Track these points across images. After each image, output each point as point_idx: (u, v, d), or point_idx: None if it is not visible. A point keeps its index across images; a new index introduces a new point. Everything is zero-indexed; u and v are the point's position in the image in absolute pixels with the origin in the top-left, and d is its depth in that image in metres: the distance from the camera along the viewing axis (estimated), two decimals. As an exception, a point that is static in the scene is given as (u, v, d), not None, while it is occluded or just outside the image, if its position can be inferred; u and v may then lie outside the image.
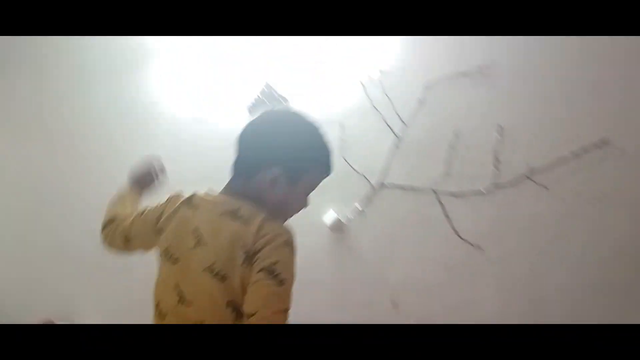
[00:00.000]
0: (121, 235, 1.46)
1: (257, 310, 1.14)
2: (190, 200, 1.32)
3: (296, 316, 2.76)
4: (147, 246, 1.42)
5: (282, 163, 1.26)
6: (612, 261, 2.17)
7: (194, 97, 3.01)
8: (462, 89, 2.48)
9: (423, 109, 2.59)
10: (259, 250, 1.17)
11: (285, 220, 1.32)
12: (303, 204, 1.34)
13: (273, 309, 1.15)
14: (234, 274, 1.18)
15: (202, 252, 1.22)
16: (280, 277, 1.15)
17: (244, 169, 1.30)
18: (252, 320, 1.14)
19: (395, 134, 2.63)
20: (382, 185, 2.64)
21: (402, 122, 2.62)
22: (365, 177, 2.67)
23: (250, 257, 1.17)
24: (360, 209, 2.68)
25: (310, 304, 2.73)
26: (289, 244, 1.19)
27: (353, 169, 2.70)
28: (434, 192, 2.52)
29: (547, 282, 2.28)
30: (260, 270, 1.15)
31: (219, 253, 1.20)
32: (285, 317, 1.16)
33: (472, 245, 2.41)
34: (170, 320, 1.27)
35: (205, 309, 1.21)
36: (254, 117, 1.33)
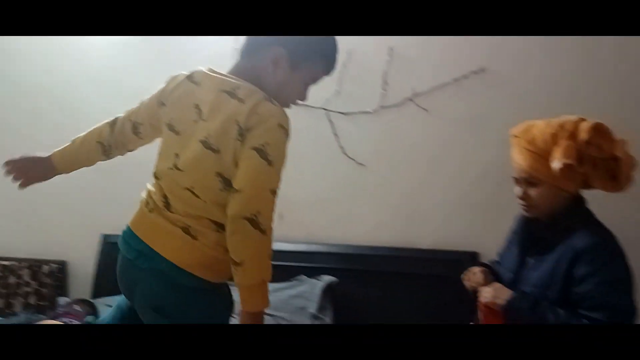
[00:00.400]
0: (129, 124, 1.44)
1: (245, 187, 1.15)
2: (192, 76, 1.32)
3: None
4: (154, 129, 1.42)
5: (286, 45, 1.25)
6: (480, 181, 2.38)
7: None
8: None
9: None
10: (252, 129, 1.17)
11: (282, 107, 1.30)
12: (301, 94, 1.34)
13: (260, 188, 1.16)
14: (227, 148, 1.19)
15: (201, 126, 1.24)
16: (270, 158, 1.16)
17: (248, 48, 1.30)
18: (238, 196, 1.15)
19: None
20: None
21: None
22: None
23: (242, 134, 1.17)
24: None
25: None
26: (282, 127, 1.19)
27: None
28: (325, 110, 2.58)
29: (422, 200, 2.46)
30: (251, 149, 1.16)
31: (215, 128, 1.21)
32: (272, 198, 1.17)
33: (356, 162, 2.53)
34: (164, 183, 1.29)
35: (196, 176, 1.23)
36: None
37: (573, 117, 1.48)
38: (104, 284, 2.72)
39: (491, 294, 1.51)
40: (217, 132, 1.21)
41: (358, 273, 2.45)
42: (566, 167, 1.40)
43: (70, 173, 2.91)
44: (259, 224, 1.14)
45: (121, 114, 1.49)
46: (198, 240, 1.22)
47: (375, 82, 2.51)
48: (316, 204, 2.62)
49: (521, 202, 1.54)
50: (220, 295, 1.29)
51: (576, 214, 1.50)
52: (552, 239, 1.49)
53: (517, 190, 1.54)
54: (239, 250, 1.16)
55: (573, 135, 1.43)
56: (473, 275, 1.63)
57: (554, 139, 1.44)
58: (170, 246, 1.23)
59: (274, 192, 1.18)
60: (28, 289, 2.81)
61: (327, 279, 2.42)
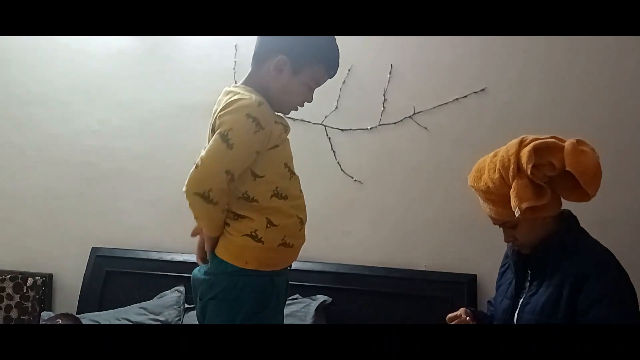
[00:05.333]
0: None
1: (202, 165, 1.25)
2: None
3: (175, 243, 2.72)
4: None
5: (287, 51, 1.36)
6: (475, 203, 2.34)
7: None
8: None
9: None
10: (221, 117, 1.28)
11: (289, 110, 1.43)
12: (306, 96, 1.42)
13: (215, 167, 1.25)
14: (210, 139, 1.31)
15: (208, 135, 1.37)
16: (231, 142, 1.24)
17: (256, 59, 1.41)
18: (194, 172, 1.25)
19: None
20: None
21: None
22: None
23: (214, 126, 1.31)
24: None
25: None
26: (250, 116, 1.26)
27: (243, 95, 2.65)
28: (323, 126, 2.55)
29: (419, 219, 2.42)
30: (217, 134, 1.26)
31: (208, 128, 1.35)
32: (225, 177, 1.25)
33: (352, 179, 2.49)
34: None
35: None
36: None
37: (512, 147, 1.42)
38: (90, 298, 2.64)
39: None
40: (209, 128, 1.35)
41: (353, 293, 2.40)
42: (528, 211, 1.36)
43: (57, 184, 2.86)
44: (211, 199, 1.25)
45: None
46: (225, 229, 1.34)
47: (375, 99, 2.49)
48: (311, 221, 2.54)
49: (511, 244, 1.51)
50: (254, 279, 1.34)
51: (570, 234, 1.46)
52: (550, 262, 1.44)
53: (504, 235, 1.51)
54: (195, 213, 1.30)
55: (518, 168, 1.38)
56: (458, 320, 1.57)
57: (503, 182, 1.40)
58: None
59: (229, 173, 1.25)
60: (10, 302, 2.72)
61: (321, 298, 2.37)
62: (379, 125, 2.48)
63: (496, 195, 1.43)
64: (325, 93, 2.53)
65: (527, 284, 1.50)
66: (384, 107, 2.48)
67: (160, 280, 2.58)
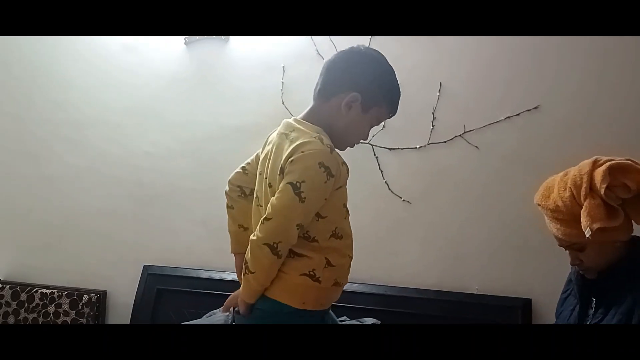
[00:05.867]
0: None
1: (274, 217, 1.25)
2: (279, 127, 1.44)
3: (224, 262, 2.76)
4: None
5: (360, 89, 1.36)
6: (533, 223, 2.26)
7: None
8: (407, 44, 2.47)
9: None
10: (292, 165, 1.26)
11: (346, 147, 1.44)
12: (365, 135, 1.45)
13: (287, 221, 1.25)
14: (276, 183, 1.31)
15: (267, 165, 1.39)
16: (303, 196, 1.24)
17: (323, 93, 1.40)
18: (267, 224, 1.25)
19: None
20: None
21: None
22: (303, 125, 2.65)
23: (282, 168, 1.28)
24: (295, 156, 2.66)
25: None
26: (323, 165, 1.25)
27: (292, 115, 2.67)
28: (371, 145, 2.53)
29: (470, 241, 2.36)
30: (287, 183, 1.25)
31: (271, 167, 1.35)
32: (296, 232, 1.26)
33: (400, 198, 2.45)
34: (253, 220, 1.44)
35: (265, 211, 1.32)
36: (344, 50, 1.45)
37: (584, 167, 1.36)
38: (142, 315, 2.69)
39: None
40: (272, 171, 1.33)
41: (402, 316, 2.35)
42: (598, 232, 1.29)
43: (111, 204, 2.95)
44: (278, 251, 1.25)
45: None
46: (280, 269, 1.31)
47: (424, 118, 2.45)
48: (359, 242, 2.51)
49: (576, 267, 1.45)
50: (309, 319, 1.34)
51: (636, 256, 1.38)
52: (617, 289, 1.37)
53: (570, 258, 1.45)
54: (254, 265, 1.28)
55: (590, 187, 1.33)
56: None
57: (574, 201, 1.35)
58: None
59: (299, 226, 1.26)
60: (66, 319, 2.80)
61: (369, 320, 2.32)
62: (428, 144, 2.44)
63: (565, 215, 1.38)
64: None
65: (592, 311, 1.43)
66: (433, 125, 2.44)
67: (209, 299, 2.60)
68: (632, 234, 1.42)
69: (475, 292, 2.30)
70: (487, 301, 2.26)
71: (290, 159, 1.27)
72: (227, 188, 1.58)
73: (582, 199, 1.33)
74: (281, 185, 1.26)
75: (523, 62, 2.34)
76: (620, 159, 1.35)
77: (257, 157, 1.53)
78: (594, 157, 1.38)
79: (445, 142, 2.40)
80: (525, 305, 2.22)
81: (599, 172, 1.32)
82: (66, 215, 3.03)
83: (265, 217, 1.26)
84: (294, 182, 1.24)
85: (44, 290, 2.87)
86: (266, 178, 1.36)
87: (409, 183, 2.47)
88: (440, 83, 2.44)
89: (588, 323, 1.42)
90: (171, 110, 2.92)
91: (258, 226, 1.27)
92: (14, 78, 3.22)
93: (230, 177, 1.58)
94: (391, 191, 2.48)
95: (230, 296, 1.50)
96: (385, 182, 2.50)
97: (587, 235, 1.30)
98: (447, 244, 2.39)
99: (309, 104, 2.63)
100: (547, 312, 2.15)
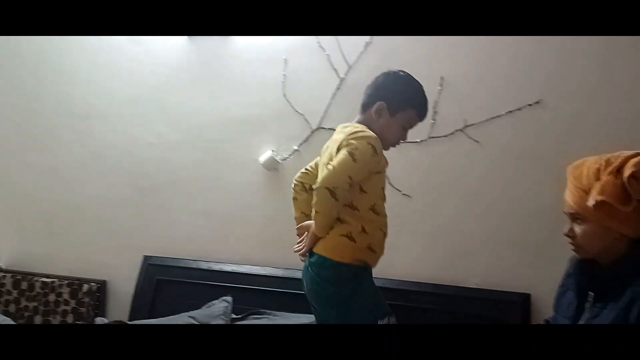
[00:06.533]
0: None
1: (334, 167, 1.60)
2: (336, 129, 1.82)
3: (224, 253, 2.78)
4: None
5: (385, 99, 1.74)
6: (533, 218, 2.27)
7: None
8: (408, 37, 2.46)
9: (369, 52, 2.57)
10: (348, 140, 1.64)
11: (388, 147, 1.77)
12: (402, 135, 1.79)
13: (343, 171, 1.60)
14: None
15: (327, 152, 1.76)
16: (356, 158, 1.61)
17: (362, 107, 1.80)
18: (327, 171, 1.61)
19: (338, 75, 2.60)
20: (321, 127, 2.63)
21: (347, 63, 2.59)
22: (305, 117, 2.65)
23: (340, 147, 1.65)
24: (296, 148, 2.66)
25: (241, 240, 2.74)
26: (371, 145, 1.63)
27: (293, 107, 2.67)
28: (372, 138, 2.53)
29: (470, 235, 2.35)
30: (345, 150, 1.62)
31: (330, 151, 1.71)
32: (349, 181, 1.59)
33: (400, 192, 2.45)
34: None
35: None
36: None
37: (628, 152, 1.37)
38: (142, 305, 2.71)
39: None
40: (332, 153, 1.69)
41: (400, 309, 2.32)
42: (600, 204, 1.31)
43: (113, 194, 2.98)
44: (335, 195, 1.59)
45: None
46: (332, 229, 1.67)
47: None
48: (359, 235, 2.55)
49: (568, 239, 1.45)
50: (347, 269, 1.67)
51: (638, 255, 1.36)
52: (615, 284, 1.36)
53: (567, 227, 1.45)
54: (318, 206, 1.64)
55: (619, 170, 1.33)
56: None
57: (597, 174, 1.35)
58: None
59: (350, 178, 1.60)
60: (66, 308, 2.82)
61: (368, 313, 2.33)
62: (429, 138, 2.44)
63: (582, 185, 1.38)
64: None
65: (589, 305, 1.43)
66: (434, 119, 2.43)
67: (208, 290, 2.61)
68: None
69: (474, 287, 2.30)
70: (486, 296, 2.26)
71: (349, 138, 1.65)
72: (292, 184, 1.94)
73: (605, 175, 1.34)
74: (341, 151, 1.63)
75: (524, 57, 2.34)
76: None
77: (316, 163, 1.88)
78: (638, 151, 1.37)
79: (445, 136, 2.40)
80: (524, 300, 2.22)
81: (633, 161, 1.33)
82: (69, 205, 3.04)
83: (327, 169, 1.62)
84: (350, 150, 1.61)
85: (45, 279, 2.88)
86: (325, 164, 1.69)
87: (409, 177, 2.47)
88: (441, 77, 2.44)
89: (585, 317, 1.42)
90: (174, 102, 2.93)
91: (319, 175, 1.66)
92: (21, 69, 3.24)
93: (295, 176, 1.94)
94: (391, 185, 2.48)
95: (302, 224, 1.82)
96: (386, 176, 2.49)
97: (590, 204, 1.31)
98: (446, 238, 2.40)
99: (311, 95, 2.66)
100: (545, 308, 2.15)
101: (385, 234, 1.75)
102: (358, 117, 1.81)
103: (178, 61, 2.95)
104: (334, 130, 2.57)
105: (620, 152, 1.39)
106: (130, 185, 2.96)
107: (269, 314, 2.44)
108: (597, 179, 1.35)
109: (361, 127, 1.71)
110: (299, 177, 1.93)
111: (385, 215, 1.74)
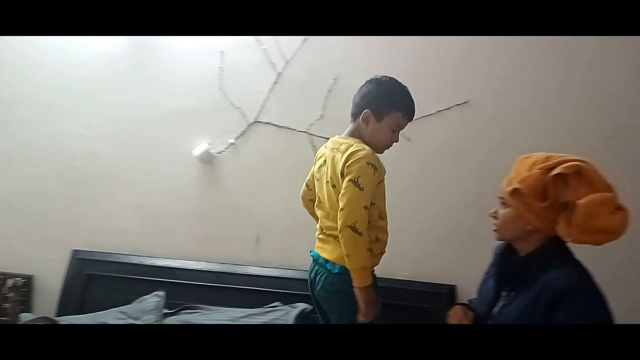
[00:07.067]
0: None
1: (345, 206, 1.68)
2: (326, 144, 1.91)
3: (157, 248, 2.74)
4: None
5: (370, 106, 1.80)
6: (459, 213, 2.37)
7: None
8: (346, 37, 2.51)
9: (306, 48, 2.59)
10: (348, 167, 1.71)
11: (381, 150, 1.84)
12: (391, 137, 1.84)
13: (355, 205, 1.68)
14: (339, 183, 1.74)
15: (325, 172, 1.84)
16: (361, 186, 1.68)
17: (352, 116, 1.87)
18: (342, 213, 1.68)
19: (275, 70, 2.61)
20: (258, 121, 2.63)
21: (284, 58, 2.60)
22: (241, 111, 2.65)
23: (343, 172, 1.72)
24: (232, 142, 2.65)
25: (174, 235, 2.71)
26: (370, 164, 1.71)
27: (229, 100, 2.66)
28: (308, 134, 2.56)
29: (400, 229, 2.41)
30: (348, 180, 1.69)
31: (331, 173, 1.80)
32: (364, 212, 1.68)
33: (335, 187, 2.49)
34: (318, 214, 1.90)
35: (330, 204, 1.81)
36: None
37: (571, 156, 1.42)
38: (70, 301, 2.63)
39: None
40: (334, 176, 1.78)
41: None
42: (516, 193, 1.41)
43: (41, 186, 2.87)
44: (357, 229, 1.66)
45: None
46: (338, 242, 1.75)
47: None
48: (294, 229, 2.58)
49: (492, 219, 1.53)
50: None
51: (552, 251, 1.45)
52: (528, 275, 1.44)
53: (494, 207, 1.54)
54: (347, 247, 1.69)
55: (551, 168, 1.39)
56: (455, 315, 1.59)
57: (531, 167, 1.43)
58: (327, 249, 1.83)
59: (365, 208, 1.69)
60: (-10, 303, 2.70)
61: (301, 306, 2.37)
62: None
63: (518, 173, 1.46)
64: (311, 101, 2.58)
65: (505, 293, 1.51)
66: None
67: (140, 285, 2.57)
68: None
69: (404, 278, 2.38)
70: (415, 287, 2.35)
71: (347, 164, 1.71)
72: (302, 203, 2.08)
73: (536, 168, 1.41)
74: (344, 183, 1.70)
75: (454, 59, 2.42)
76: (600, 174, 1.39)
77: (312, 173, 2.00)
78: (582, 158, 1.42)
79: (380, 133, 2.46)
80: (450, 291, 2.32)
81: (568, 164, 1.38)
82: (-7, 196, 2.90)
83: (340, 208, 1.69)
84: (354, 179, 1.68)
85: (-34, 275, 2.74)
86: (327, 182, 1.81)
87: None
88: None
89: (499, 304, 1.50)
90: (106, 92, 2.84)
91: (338, 218, 1.70)
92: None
93: (301, 194, 2.07)
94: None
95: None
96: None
97: (508, 190, 1.42)
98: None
99: (248, 89, 2.65)
100: (470, 297, 2.26)
101: (388, 234, 1.86)
102: (349, 126, 1.88)
103: (110, 51, 2.86)
104: (271, 124, 2.66)
105: (567, 155, 1.44)
106: (59, 176, 2.85)
107: (203, 309, 2.44)
108: (529, 170, 1.43)
109: (355, 142, 1.78)
110: (304, 193, 2.07)
111: (387, 216, 1.86)
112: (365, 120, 1.81)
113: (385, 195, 1.84)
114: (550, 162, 1.41)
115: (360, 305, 1.72)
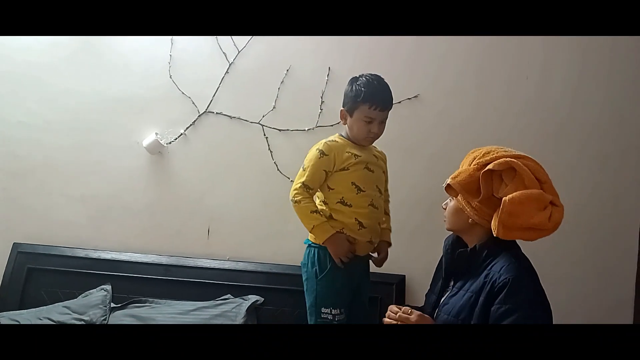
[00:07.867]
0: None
1: (293, 184, 1.96)
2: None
3: (103, 241, 2.66)
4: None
5: (344, 104, 1.97)
6: (410, 207, 2.42)
7: None
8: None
9: (258, 38, 2.57)
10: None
11: (363, 142, 1.96)
12: (367, 127, 1.92)
13: (296, 182, 1.94)
14: None
15: None
16: (304, 167, 1.94)
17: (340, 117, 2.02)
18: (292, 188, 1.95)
19: (227, 59, 2.58)
20: (209, 111, 2.60)
21: (237, 48, 2.57)
22: (192, 101, 2.60)
23: None
24: (182, 132, 2.61)
25: (121, 227, 2.64)
26: (319, 150, 1.93)
27: (179, 90, 2.61)
28: (261, 125, 2.55)
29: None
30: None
31: None
32: (303, 188, 1.92)
33: (289, 179, 2.50)
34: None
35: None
36: None
37: (512, 151, 1.46)
38: (10, 296, 2.52)
39: (415, 320, 1.48)
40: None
41: (285, 292, 2.41)
42: (447, 188, 1.48)
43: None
44: (295, 200, 1.93)
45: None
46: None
47: (313, 101, 2.51)
48: (245, 221, 2.57)
49: (443, 211, 1.58)
50: (321, 250, 1.97)
51: (496, 244, 1.47)
52: (473, 267, 1.47)
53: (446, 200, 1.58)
54: (298, 217, 1.95)
55: (485, 164, 1.43)
56: (393, 314, 1.58)
57: (472, 162, 1.47)
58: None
59: (304, 185, 1.92)
60: None
61: (252, 298, 2.36)
62: (316, 127, 2.51)
63: (462, 167, 1.50)
64: (263, 92, 2.56)
65: (452, 285, 1.55)
66: (321, 109, 2.50)
67: (86, 279, 2.50)
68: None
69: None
70: (366, 278, 2.38)
71: None
72: None
73: (474, 163, 1.45)
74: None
75: (405, 53, 2.47)
76: (536, 172, 1.42)
77: None
78: (523, 154, 1.45)
79: (332, 125, 2.47)
80: (400, 281, 2.37)
81: (501, 160, 1.41)
82: None
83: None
84: (303, 163, 1.96)
85: None
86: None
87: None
88: (329, 68, 2.50)
89: (447, 295, 1.54)
90: (50, 79, 2.72)
91: None
92: None
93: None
94: (280, 172, 2.52)
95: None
96: (275, 162, 2.53)
97: (444, 185, 1.49)
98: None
99: (198, 78, 2.59)
100: (419, 286, 2.34)
101: (362, 223, 1.93)
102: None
103: (56, 36, 2.74)
104: (222, 115, 2.62)
105: (509, 149, 1.47)
106: (-1, 166, 2.73)
107: (152, 302, 2.39)
108: (470, 164, 1.46)
109: (333, 137, 1.99)
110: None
111: (363, 207, 1.93)
112: (343, 118, 1.98)
113: (366, 187, 1.93)
114: (486, 158, 1.44)
115: (332, 254, 1.92)
